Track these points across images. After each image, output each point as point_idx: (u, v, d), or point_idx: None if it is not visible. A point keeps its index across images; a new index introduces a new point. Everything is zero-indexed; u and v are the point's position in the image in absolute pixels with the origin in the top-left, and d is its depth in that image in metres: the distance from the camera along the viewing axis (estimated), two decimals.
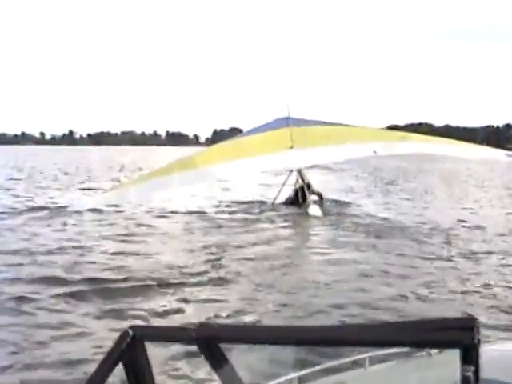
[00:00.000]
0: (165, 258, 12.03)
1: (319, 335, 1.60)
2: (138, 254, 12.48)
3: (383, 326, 1.58)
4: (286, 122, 21.28)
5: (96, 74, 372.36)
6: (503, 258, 12.20)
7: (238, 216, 18.69)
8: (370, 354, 3.06)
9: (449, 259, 12.07)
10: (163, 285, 9.86)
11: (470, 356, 1.38)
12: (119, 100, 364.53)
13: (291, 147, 20.07)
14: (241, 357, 2.08)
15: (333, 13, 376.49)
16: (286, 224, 17.36)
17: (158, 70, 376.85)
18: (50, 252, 12.62)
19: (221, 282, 10.18)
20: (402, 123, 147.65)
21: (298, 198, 20.64)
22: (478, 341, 1.39)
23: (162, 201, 19.99)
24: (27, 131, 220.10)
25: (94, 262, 11.54)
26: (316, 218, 18.22)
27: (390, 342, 1.58)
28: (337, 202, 21.64)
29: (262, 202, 21.75)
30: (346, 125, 23.34)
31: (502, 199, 25.01)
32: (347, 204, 21.58)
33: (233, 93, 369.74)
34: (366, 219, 17.89)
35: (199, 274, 10.66)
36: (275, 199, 21.56)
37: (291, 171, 21.74)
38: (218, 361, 1.69)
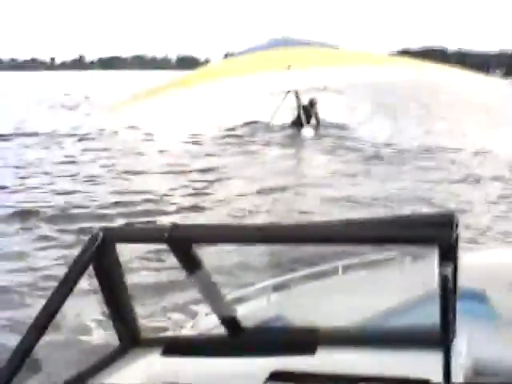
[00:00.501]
0: (151, 184, 11.60)
1: (293, 233, 1.59)
2: (124, 180, 12.10)
3: (360, 222, 1.56)
4: (284, 41, 20.57)
5: None
6: None
7: (231, 140, 18.24)
8: (343, 263, 3.15)
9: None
10: (146, 212, 9.44)
11: (448, 253, 1.37)
12: (130, 24, 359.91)
13: (289, 67, 19.45)
14: (215, 260, 2.25)
15: None
16: (277, 147, 16.87)
17: None
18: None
19: (205, 209, 9.77)
20: (414, 47, 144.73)
21: (301, 120, 20.14)
22: (457, 237, 1.37)
23: (154, 123, 19.38)
24: (37, 57, 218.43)
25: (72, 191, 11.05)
26: (310, 139, 17.93)
27: (367, 239, 1.55)
28: (336, 125, 21.06)
29: (259, 123, 20.98)
30: (345, 48, 22.72)
31: None
32: (345, 127, 20.94)
33: (242, 15, 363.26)
34: (361, 143, 17.37)
35: (183, 203, 10.17)
36: (272, 120, 20.94)
37: (288, 92, 21.07)
38: (190, 262, 1.70)
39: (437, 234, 1.37)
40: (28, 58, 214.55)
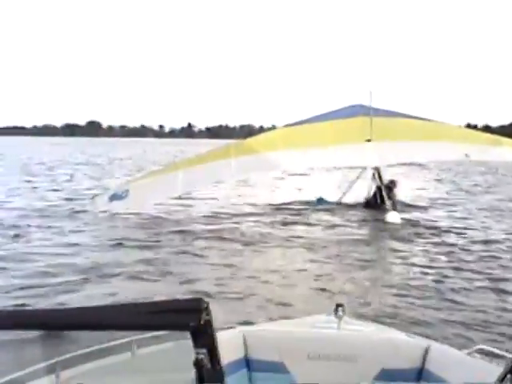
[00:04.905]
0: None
1: (45, 319, 1.56)
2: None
3: (116, 307, 1.56)
4: (367, 110, 18.00)
5: (215, 68, 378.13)
6: None
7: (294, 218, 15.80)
8: (136, 337, 3.04)
9: None
10: None
11: (199, 338, 1.40)
12: (238, 93, 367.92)
13: (368, 140, 17.00)
14: None
15: None
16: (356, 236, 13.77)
17: (276, 62, 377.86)
18: None
19: None
20: (494, 124, 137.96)
21: (377, 200, 17.48)
22: (207, 322, 1.39)
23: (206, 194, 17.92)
24: (146, 124, 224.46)
25: None
26: (395, 225, 14.72)
27: (122, 325, 1.54)
28: (414, 207, 18.20)
29: (326, 202, 18.39)
30: (433, 121, 19.78)
31: None
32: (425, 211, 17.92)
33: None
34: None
35: None
36: (342, 198, 18.56)
37: (364, 168, 18.49)
38: None
39: (186, 319, 1.37)
40: (138, 125, 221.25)
